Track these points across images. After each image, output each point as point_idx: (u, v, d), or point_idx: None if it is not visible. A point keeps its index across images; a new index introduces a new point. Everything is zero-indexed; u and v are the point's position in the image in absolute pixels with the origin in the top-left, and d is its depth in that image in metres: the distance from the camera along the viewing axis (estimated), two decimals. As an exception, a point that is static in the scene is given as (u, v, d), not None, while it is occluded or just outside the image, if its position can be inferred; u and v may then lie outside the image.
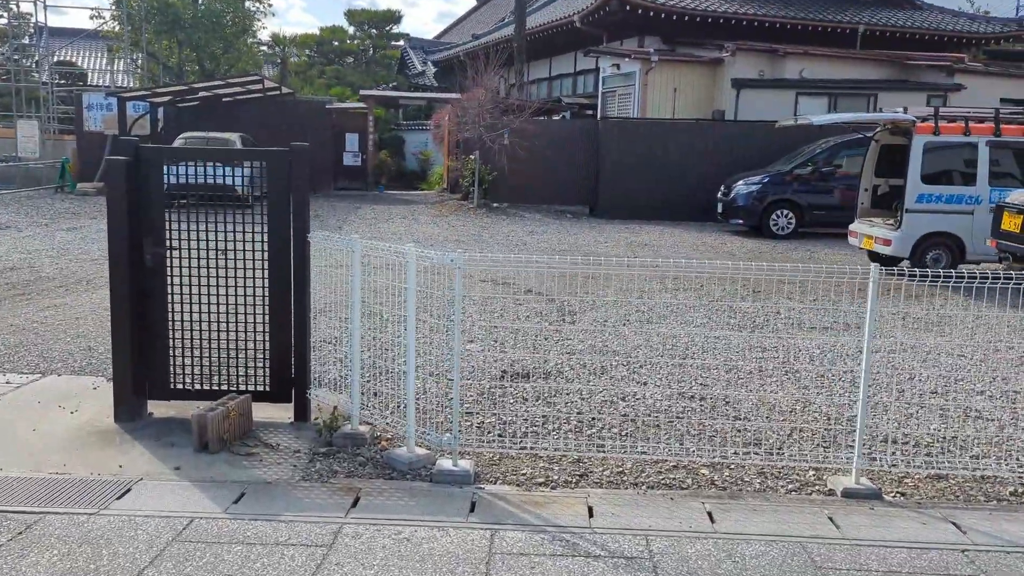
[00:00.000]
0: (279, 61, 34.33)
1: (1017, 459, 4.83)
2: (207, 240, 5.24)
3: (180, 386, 5.35)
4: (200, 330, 5.32)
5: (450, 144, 23.01)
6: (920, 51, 22.70)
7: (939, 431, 5.32)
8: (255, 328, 5.29)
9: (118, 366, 5.18)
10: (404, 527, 3.85)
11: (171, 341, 5.32)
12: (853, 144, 16.36)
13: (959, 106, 17.65)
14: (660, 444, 4.97)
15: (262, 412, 5.27)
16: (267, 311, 5.26)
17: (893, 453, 4.80)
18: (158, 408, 5.37)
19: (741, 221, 16.64)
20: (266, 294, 5.25)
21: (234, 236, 5.23)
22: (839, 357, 7.27)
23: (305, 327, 5.25)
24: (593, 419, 5.44)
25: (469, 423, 5.27)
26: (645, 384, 6.31)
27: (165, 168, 5.20)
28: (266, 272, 5.24)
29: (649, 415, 5.55)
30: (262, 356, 5.34)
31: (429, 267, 4.63)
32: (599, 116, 23.30)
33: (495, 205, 19.85)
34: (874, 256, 12.66)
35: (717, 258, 13.48)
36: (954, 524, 4.01)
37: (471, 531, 3.82)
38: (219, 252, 5.26)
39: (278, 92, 21.94)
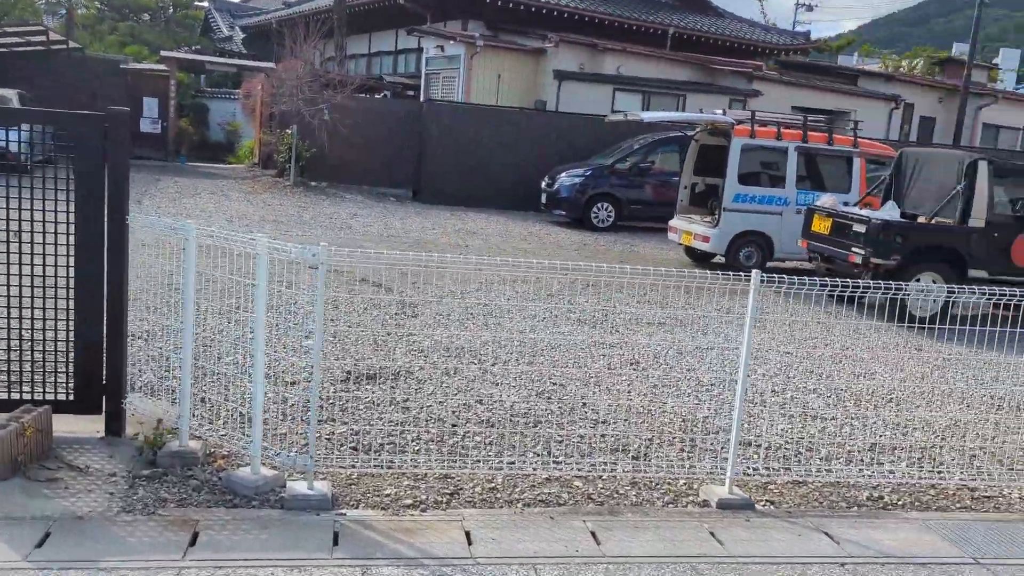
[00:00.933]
0: (64, 12, 30.66)
1: (862, 460, 5.00)
2: None
3: (-42, 395, 4.41)
4: (-15, 327, 4.40)
5: (263, 116, 21.59)
6: (722, 56, 24.06)
7: (787, 432, 5.43)
8: (56, 324, 4.44)
9: None
10: (258, 569, 3.30)
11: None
12: (668, 142, 16.99)
13: (760, 110, 18.84)
14: (528, 454, 4.69)
15: (65, 426, 4.45)
16: (72, 305, 4.43)
17: (755, 458, 4.81)
18: (-74, 422, 4.39)
19: (564, 212, 16.81)
20: (71, 284, 4.42)
21: (31, 215, 4.35)
22: (680, 355, 7.34)
23: (120, 325, 4.47)
24: (454, 426, 5.07)
25: (318, 435, 4.72)
26: (499, 385, 6.02)
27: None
28: (71, 259, 4.40)
29: (510, 419, 5.26)
30: (64, 358, 4.50)
31: (280, 260, 4.05)
32: (422, 98, 22.79)
33: (313, 184, 18.85)
34: (691, 252, 13.18)
35: (546, 249, 13.49)
36: (826, 534, 4.02)
37: (338, 569, 3.34)
38: (8, 232, 4.35)
39: (64, 47, 19.57)
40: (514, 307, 8.57)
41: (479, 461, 4.49)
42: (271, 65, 22.58)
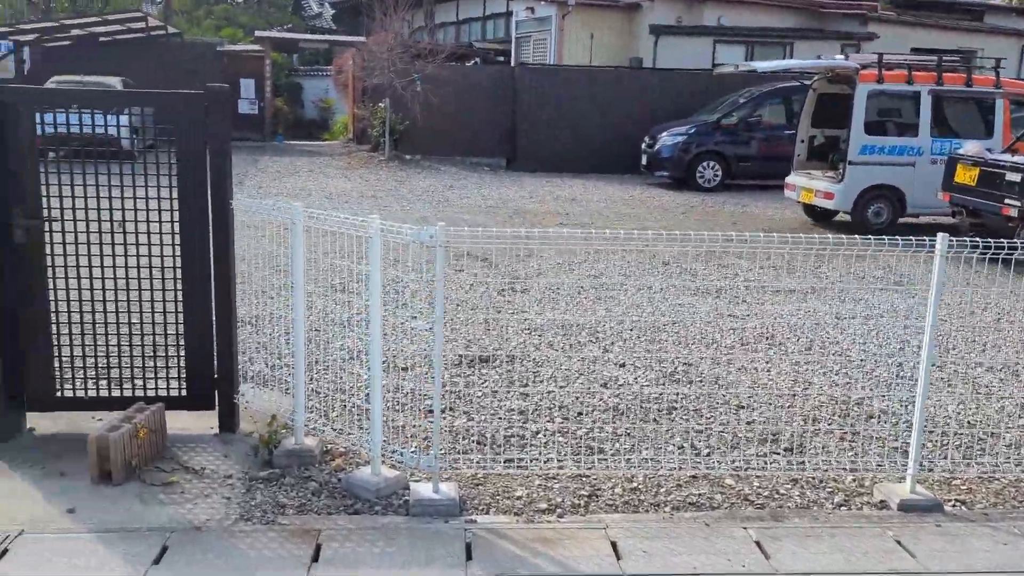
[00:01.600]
0: (161, -2, 31.40)
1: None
2: (98, 207, 4.10)
3: (69, 393, 4.24)
4: (93, 320, 4.21)
5: (355, 91, 21.54)
6: None
7: (960, 415, 4.78)
8: (165, 316, 4.21)
9: (-16, 373, 4.03)
10: (389, 590, 2.97)
11: (55, 336, 4.19)
12: (776, 93, 15.99)
13: (883, 53, 17.52)
14: (668, 447, 4.23)
15: (178, 422, 4.23)
16: (180, 295, 4.19)
17: (929, 447, 4.21)
18: (41, 422, 4.25)
19: (667, 173, 16.08)
20: (178, 274, 4.18)
21: (134, 202, 4.11)
22: (818, 327, 6.69)
23: (230, 315, 4.21)
24: (579, 415, 4.65)
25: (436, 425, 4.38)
26: (623, 366, 5.56)
27: (38, 117, 4.01)
28: (178, 246, 4.15)
29: (640, 406, 4.80)
30: (175, 352, 4.28)
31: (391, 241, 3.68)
32: (513, 63, 22.26)
33: (407, 157, 18.66)
34: (811, 210, 12.32)
35: (651, 213, 12.87)
36: (1037, 542, 3.42)
37: (477, 590, 2.98)
38: (114, 222, 4.13)
39: (164, 32, 19.88)
40: (628, 279, 8.06)
41: (616, 455, 4.06)
42: (362, 39, 22.44)
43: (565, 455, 4.07)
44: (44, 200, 4.06)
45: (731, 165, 15.84)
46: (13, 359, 4.09)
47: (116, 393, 4.25)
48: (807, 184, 11.58)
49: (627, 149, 17.77)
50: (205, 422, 4.30)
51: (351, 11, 31.61)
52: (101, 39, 19.37)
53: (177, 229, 4.12)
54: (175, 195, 4.11)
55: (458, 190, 14.97)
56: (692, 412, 4.75)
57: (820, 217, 12.31)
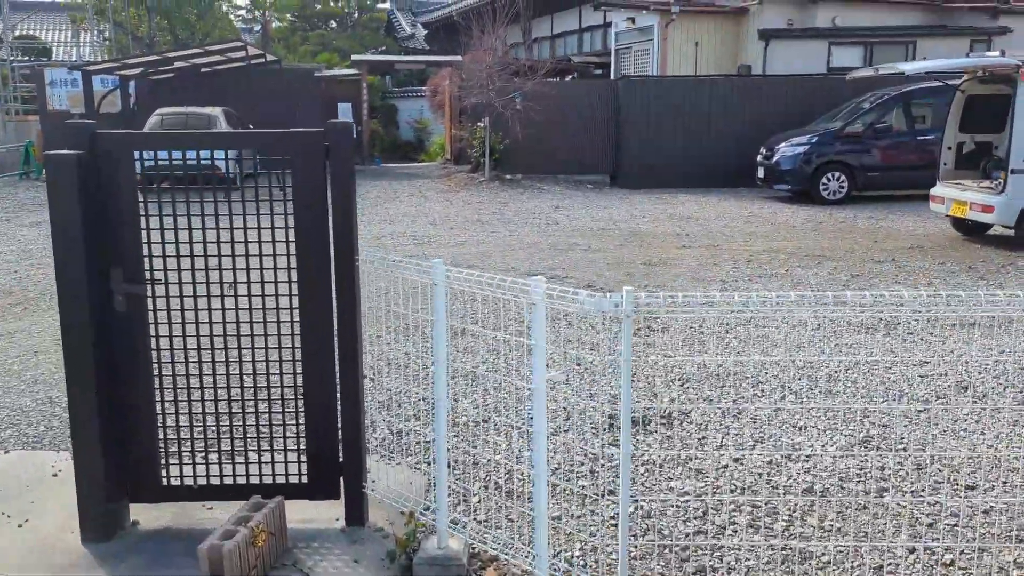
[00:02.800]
0: (260, 26, 31.91)
1: None
2: (205, 264, 3.54)
3: (176, 481, 3.68)
4: (202, 399, 3.64)
5: (452, 111, 21.18)
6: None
7: None
8: (283, 393, 3.61)
9: (82, 461, 3.50)
10: None
11: (159, 417, 3.65)
12: (906, 97, 14.71)
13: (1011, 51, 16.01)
14: (895, 548, 3.37)
15: (299, 512, 3.62)
16: (301, 367, 3.59)
17: None
18: (145, 513, 3.70)
19: (787, 186, 14.98)
20: (296, 343, 3.57)
21: (245, 256, 3.53)
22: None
23: (356, 391, 3.58)
24: (770, 503, 3.82)
25: (598, 515, 3.64)
26: (802, 428, 4.70)
27: (138, 163, 3.48)
28: (295, 310, 3.55)
29: (840, 485, 3.94)
30: (294, 434, 3.67)
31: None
32: (612, 75, 21.49)
33: (508, 177, 18.10)
34: (960, 224, 11.09)
35: (778, 231, 11.84)
36: None
37: None
38: (224, 283, 3.56)
39: (263, 60, 19.95)
40: (775, 311, 7.14)
41: (832, 566, 3.23)
42: (458, 58, 22.07)
43: (771, 567, 3.26)
44: (146, 261, 3.52)
45: (857, 176, 14.63)
46: (114, 444, 3.56)
47: (228, 480, 3.67)
48: (958, 196, 10.37)
49: (738, 161, 16.76)
50: (329, 512, 3.67)
51: (444, 30, 31.47)
52: (203, 70, 19.55)
53: (295, 290, 3.52)
54: (291, 250, 3.51)
55: (565, 211, 14.26)
56: (908, 494, 3.87)
57: (971, 231, 11.06)
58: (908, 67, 11.30)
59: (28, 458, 4.46)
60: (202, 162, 3.53)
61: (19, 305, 7.81)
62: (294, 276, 3.53)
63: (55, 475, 4.20)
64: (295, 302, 3.53)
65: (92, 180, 3.39)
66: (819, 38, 19.13)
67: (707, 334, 6.65)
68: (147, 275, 3.53)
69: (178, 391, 3.64)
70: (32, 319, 7.31)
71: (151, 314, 3.56)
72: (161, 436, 3.66)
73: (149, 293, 3.54)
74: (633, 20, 20.52)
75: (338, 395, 3.55)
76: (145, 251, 3.51)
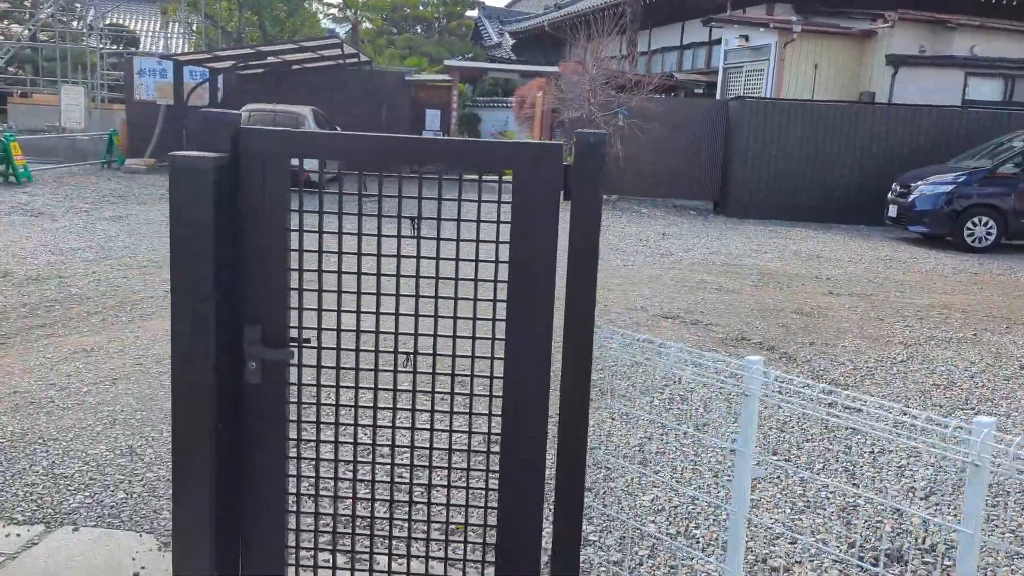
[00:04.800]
0: (349, 27, 31.24)
1: None
2: (377, 323, 2.45)
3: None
4: (354, 493, 2.55)
5: (544, 124, 20.13)
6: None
7: None
8: (468, 494, 2.50)
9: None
10: None
11: (292, 518, 2.56)
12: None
13: None
14: None
15: None
16: (496, 463, 2.47)
17: None
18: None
19: (926, 228, 13.50)
20: (493, 439, 2.46)
21: (433, 317, 2.43)
22: None
23: (575, 517, 2.44)
24: None
25: None
26: None
27: (290, 178, 2.41)
28: (502, 388, 2.44)
29: None
30: (479, 550, 2.55)
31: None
32: (719, 95, 20.20)
33: (605, 198, 16.92)
34: None
35: (931, 281, 10.42)
36: None
37: None
38: (397, 354, 2.47)
39: (356, 60, 19.19)
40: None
41: None
42: (554, 69, 21.06)
43: None
44: (293, 316, 2.44)
45: (1009, 222, 13.09)
46: (233, 550, 2.48)
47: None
48: None
49: (859, 196, 15.41)
50: None
51: (533, 40, 30.56)
52: (293, 67, 18.86)
53: (497, 357, 2.40)
54: (496, 299, 2.40)
55: (674, 239, 13.03)
56: None
57: None
58: None
59: (102, 542, 3.43)
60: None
61: (96, 315, 6.90)
62: (498, 338, 2.41)
63: (137, 573, 3.16)
64: (504, 371, 2.41)
65: (229, 198, 2.33)
66: (954, 67, 17.59)
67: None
68: (295, 334, 2.45)
69: (322, 478, 2.55)
70: (111, 333, 6.38)
71: (293, 385, 2.48)
72: (294, 542, 2.57)
73: (295, 359, 2.46)
74: (747, 38, 19.20)
75: (544, 511, 2.41)
76: (293, 300, 2.44)
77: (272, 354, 2.43)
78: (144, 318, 6.89)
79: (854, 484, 4.25)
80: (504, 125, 27.78)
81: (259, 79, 19.32)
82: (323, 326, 2.46)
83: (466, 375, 2.46)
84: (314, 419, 2.52)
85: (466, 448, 2.46)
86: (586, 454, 2.39)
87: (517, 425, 2.40)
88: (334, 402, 2.50)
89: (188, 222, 2.24)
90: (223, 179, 2.29)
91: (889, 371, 6.30)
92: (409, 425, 2.48)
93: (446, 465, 2.49)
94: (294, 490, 2.53)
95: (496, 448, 2.44)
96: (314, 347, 2.48)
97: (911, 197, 13.67)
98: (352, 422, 2.48)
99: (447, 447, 2.48)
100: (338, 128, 18.05)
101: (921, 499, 4.12)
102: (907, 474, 4.41)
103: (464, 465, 2.50)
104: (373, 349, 2.45)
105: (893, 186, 14.29)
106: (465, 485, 2.51)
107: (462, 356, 2.45)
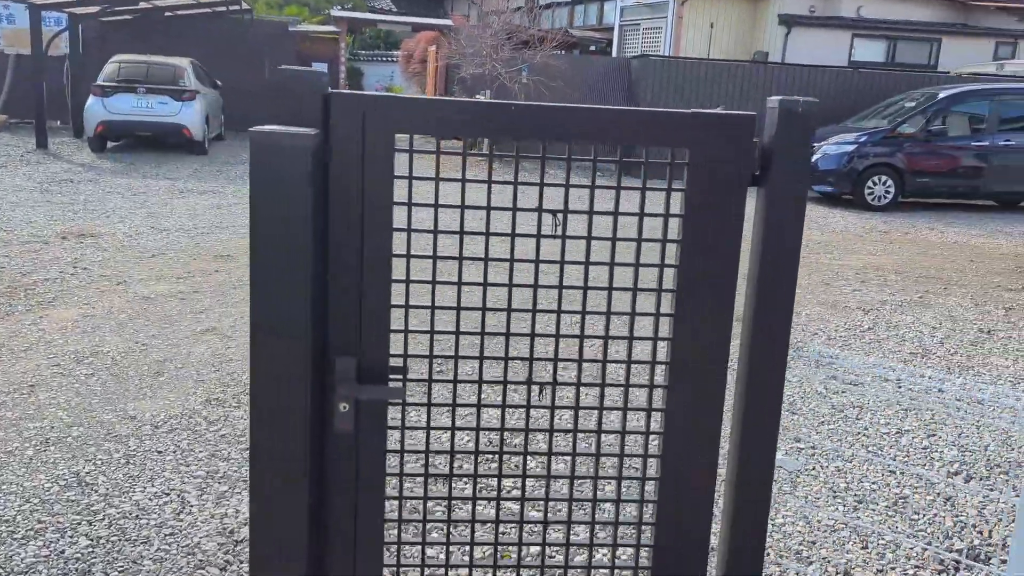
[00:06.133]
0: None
1: None
2: (506, 346, 1.91)
3: None
4: (470, 557, 2.03)
5: (439, 80, 19.34)
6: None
7: None
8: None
9: None
10: None
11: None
12: (962, 98, 13.66)
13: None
14: None
15: None
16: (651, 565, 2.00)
17: None
18: None
19: (829, 188, 13.78)
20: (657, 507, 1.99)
21: (577, 342, 1.92)
22: None
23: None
24: None
25: None
26: None
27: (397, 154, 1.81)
28: (659, 443, 1.96)
29: None
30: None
31: None
32: (615, 53, 19.99)
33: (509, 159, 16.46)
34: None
35: (834, 238, 10.59)
36: None
37: None
38: (531, 384, 1.94)
39: (237, 8, 17.70)
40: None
41: None
42: (447, 22, 20.23)
43: None
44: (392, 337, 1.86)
45: (906, 181, 13.54)
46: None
47: None
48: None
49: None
50: None
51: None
52: (166, 13, 17.21)
53: (659, 401, 1.92)
54: (661, 311, 1.91)
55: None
56: None
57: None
58: None
59: (77, 612, 2.73)
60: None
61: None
62: (663, 376, 1.93)
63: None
64: (655, 404, 1.93)
65: (321, 189, 1.71)
66: (842, 28, 18.05)
67: None
68: (401, 365, 1.87)
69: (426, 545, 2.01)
70: (8, 327, 5.41)
71: (394, 429, 1.91)
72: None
73: (398, 398, 1.88)
74: (644, -5, 19.04)
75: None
76: (396, 322, 1.86)
77: (369, 392, 1.85)
78: (44, 306, 5.92)
79: (891, 471, 4.04)
80: (390, 80, 26.72)
81: (126, 27, 17.54)
82: (434, 352, 1.89)
83: (616, 410, 1.96)
84: (421, 471, 1.96)
85: (612, 521, 1.97)
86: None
87: (678, 501, 1.93)
88: (448, 448, 1.94)
89: (281, 226, 1.62)
90: (318, 165, 1.67)
91: (863, 340, 6.21)
92: (543, 476, 1.96)
93: (586, 545, 1.99)
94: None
95: (649, 518, 1.96)
96: (423, 379, 1.91)
97: (815, 157, 13.90)
98: (472, 472, 1.94)
99: (589, 521, 1.98)
100: (218, 83, 16.65)
101: (966, 481, 3.95)
102: (935, 455, 4.25)
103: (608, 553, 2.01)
104: (501, 380, 1.91)
105: (797, 146, 14.48)
106: None
107: (612, 385, 1.95)
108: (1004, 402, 2.38)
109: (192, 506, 3.41)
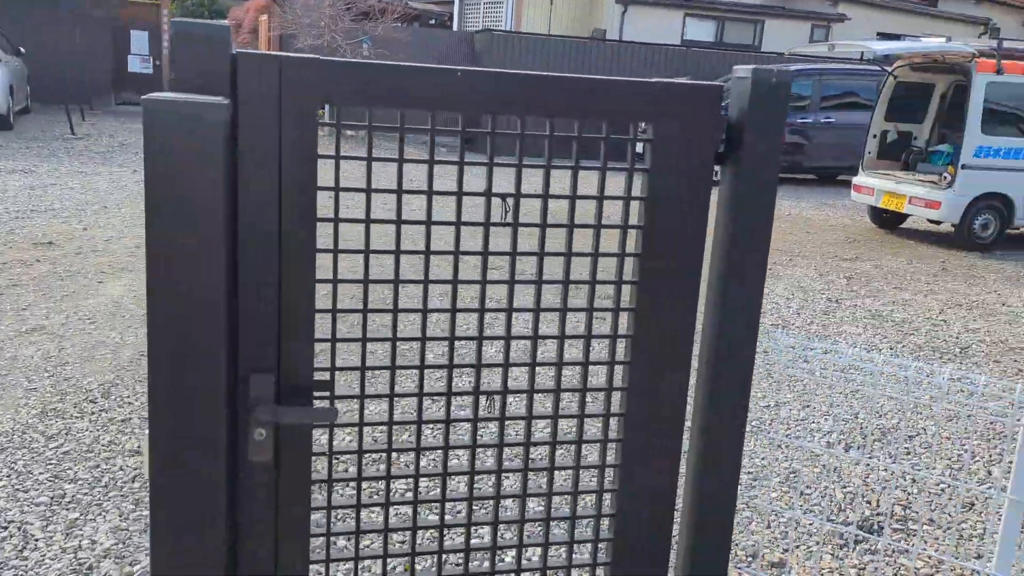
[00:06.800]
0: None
1: None
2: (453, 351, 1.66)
3: None
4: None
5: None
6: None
7: None
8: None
9: None
10: None
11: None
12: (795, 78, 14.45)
13: (846, 40, 16.38)
14: None
15: None
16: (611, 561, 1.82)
17: None
18: None
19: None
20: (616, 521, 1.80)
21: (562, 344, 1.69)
22: None
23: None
24: None
25: None
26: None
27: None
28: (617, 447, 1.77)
29: None
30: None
31: None
32: (456, 26, 19.69)
33: (350, 134, 15.88)
34: (878, 215, 10.81)
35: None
36: None
37: None
38: (479, 394, 1.71)
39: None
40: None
41: None
42: (280, -11, 19.16)
43: None
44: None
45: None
46: None
47: None
48: (894, 188, 9.97)
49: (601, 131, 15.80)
50: None
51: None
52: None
53: (619, 405, 1.74)
54: (621, 304, 1.73)
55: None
56: None
57: (886, 224, 10.82)
58: (880, 47, 10.70)
59: None
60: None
61: None
62: (617, 361, 1.74)
63: None
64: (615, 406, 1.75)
65: (230, 173, 1.39)
66: (675, 8, 18.62)
67: None
68: (327, 379, 1.58)
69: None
70: None
71: (319, 456, 1.62)
72: None
73: (327, 421, 1.58)
74: (485, -31, 18.82)
75: None
76: (321, 328, 1.56)
77: (292, 415, 1.54)
78: None
79: (777, 445, 4.10)
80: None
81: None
82: (367, 363, 1.61)
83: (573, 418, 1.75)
84: (352, 501, 1.67)
85: (568, 541, 1.77)
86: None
87: (639, 505, 1.76)
88: (385, 473, 1.66)
89: (187, 220, 1.28)
90: (228, 144, 1.35)
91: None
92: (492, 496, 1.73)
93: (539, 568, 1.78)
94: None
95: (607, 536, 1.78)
96: (355, 395, 1.62)
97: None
98: (411, 499, 1.68)
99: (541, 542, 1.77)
100: (21, 50, 14.98)
101: (846, 451, 4.07)
102: (812, 426, 4.37)
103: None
104: (445, 392, 1.65)
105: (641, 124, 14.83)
106: None
107: (569, 390, 1.74)
108: (866, 367, 2.40)
109: (37, 540, 2.93)
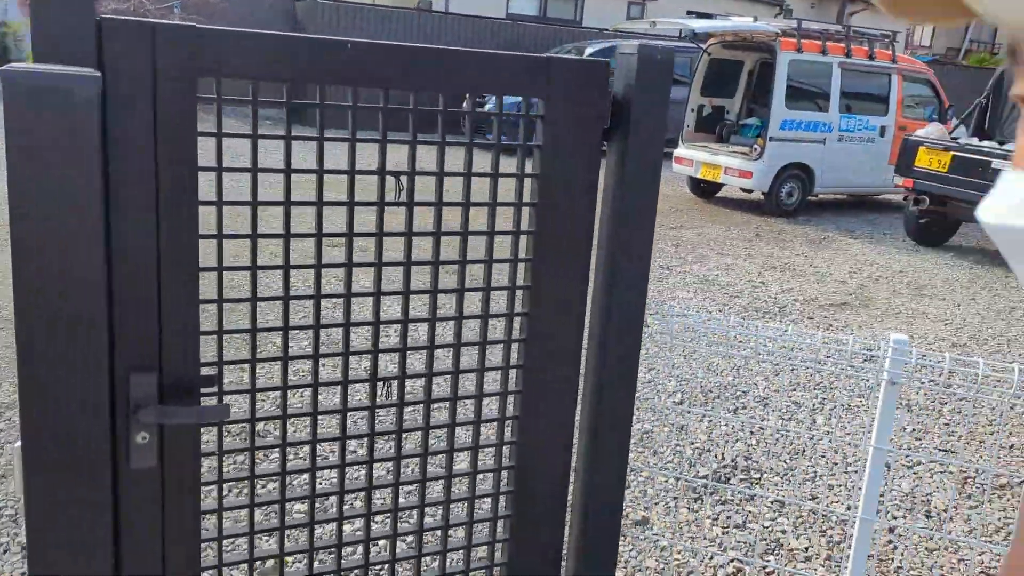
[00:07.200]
0: None
1: None
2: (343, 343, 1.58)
3: None
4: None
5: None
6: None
7: None
8: None
9: None
10: None
11: None
12: (609, 53, 14.92)
13: (666, 18, 17.21)
14: None
15: None
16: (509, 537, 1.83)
17: None
18: None
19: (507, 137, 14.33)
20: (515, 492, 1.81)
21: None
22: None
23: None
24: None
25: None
26: None
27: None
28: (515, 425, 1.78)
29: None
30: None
31: None
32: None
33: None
34: (696, 185, 11.45)
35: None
36: None
37: None
38: (375, 381, 1.63)
39: None
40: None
41: None
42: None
43: None
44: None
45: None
46: None
47: None
48: (711, 159, 10.58)
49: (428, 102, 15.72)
50: None
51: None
52: None
53: (517, 357, 1.74)
54: (516, 282, 1.73)
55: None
56: None
57: (704, 194, 11.49)
58: (699, 25, 11.15)
59: None
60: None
61: None
62: (515, 336, 1.74)
63: None
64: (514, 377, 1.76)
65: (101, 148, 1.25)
66: (500, -19, 18.73)
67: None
68: (216, 374, 1.47)
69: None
70: None
71: (209, 456, 1.51)
72: None
73: (217, 419, 1.47)
74: (303, -67, 18.04)
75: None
76: (206, 317, 1.44)
77: (177, 415, 1.43)
78: None
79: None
80: (4, 14, 22.68)
81: None
82: (257, 355, 1.51)
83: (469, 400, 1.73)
84: (244, 501, 1.57)
85: (466, 523, 1.76)
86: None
87: (533, 483, 1.78)
88: (279, 470, 1.57)
89: (58, 206, 1.14)
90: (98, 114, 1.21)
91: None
92: (391, 484, 1.69)
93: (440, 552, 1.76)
94: (212, 616, 1.58)
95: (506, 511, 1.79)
96: (245, 390, 1.52)
97: (487, 107, 14.38)
98: (309, 494, 1.60)
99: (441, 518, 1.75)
100: None
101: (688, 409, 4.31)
102: (659, 387, 4.59)
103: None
104: (341, 380, 1.59)
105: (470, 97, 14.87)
106: None
107: (465, 372, 1.72)
108: (700, 331, 2.57)
109: None
